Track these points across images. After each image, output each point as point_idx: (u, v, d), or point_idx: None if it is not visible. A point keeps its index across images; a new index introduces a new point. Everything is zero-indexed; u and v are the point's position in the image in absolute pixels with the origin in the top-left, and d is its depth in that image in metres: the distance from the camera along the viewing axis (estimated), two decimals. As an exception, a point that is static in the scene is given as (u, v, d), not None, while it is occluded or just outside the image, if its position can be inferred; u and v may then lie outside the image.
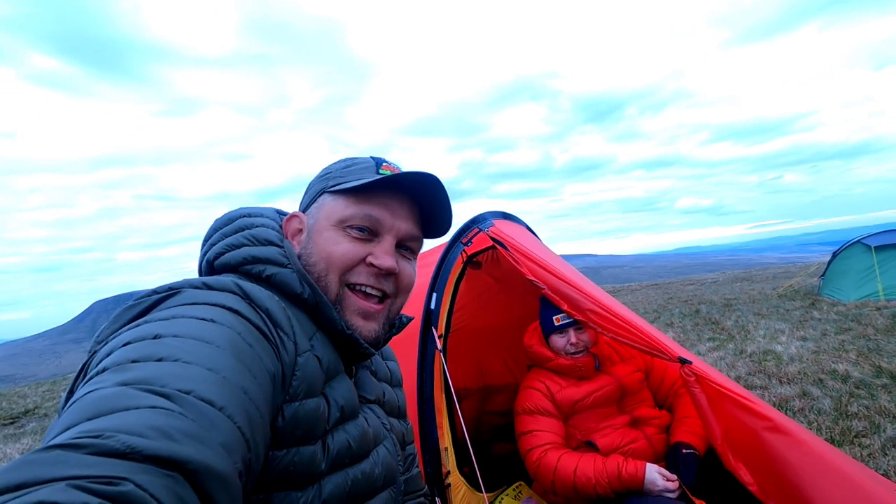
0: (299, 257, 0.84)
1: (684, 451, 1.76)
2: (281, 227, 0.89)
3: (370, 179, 0.82)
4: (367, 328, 0.84)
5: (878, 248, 7.79)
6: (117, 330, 0.62)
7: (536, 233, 2.49)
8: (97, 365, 0.55)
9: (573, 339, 1.96)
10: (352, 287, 0.83)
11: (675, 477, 1.67)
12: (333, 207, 0.85)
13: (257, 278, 0.79)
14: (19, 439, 5.95)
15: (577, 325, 1.96)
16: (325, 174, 0.91)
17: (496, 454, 2.61)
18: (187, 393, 0.49)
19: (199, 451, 0.44)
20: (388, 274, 0.84)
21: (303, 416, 0.68)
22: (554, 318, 1.96)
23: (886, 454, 2.63)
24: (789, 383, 3.99)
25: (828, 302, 7.82)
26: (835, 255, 8.84)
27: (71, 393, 0.60)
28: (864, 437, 2.88)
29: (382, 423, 0.92)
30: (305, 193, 0.94)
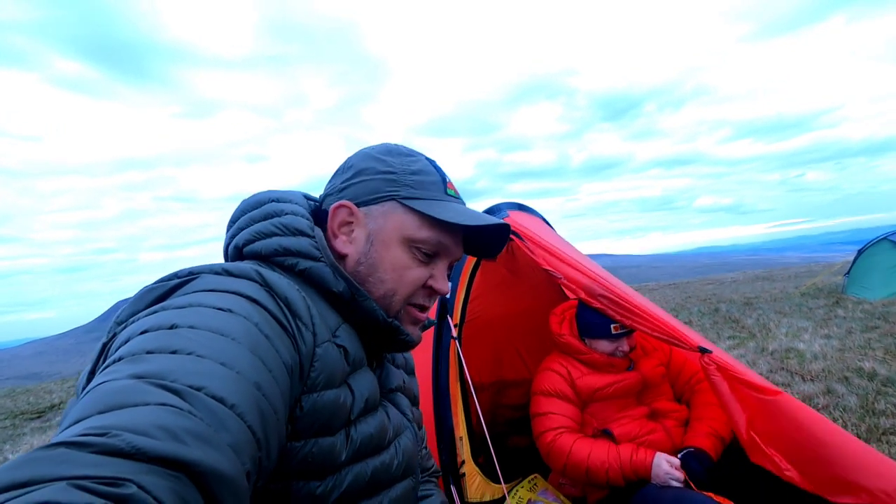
0: (358, 263, 0.83)
1: (690, 450, 1.73)
2: (310, 214, 0.85)
3: (457, 221, 0.81)
4: (415, 332, 0.89)
5: (906, 245, 7.57)
6: (137, 313, 0.62)
7: (553, 226, 2.47)
8: (116, 351, 0.55)
9: (625, 348, 1.92)
10: (410, 304, 0.86)
11: (679, 464, 1.65)
12: (404, 223, 0.82)
13: (289, 270, 0.78)
14: (45, 432, 6.14)
15: (630, 333, 1.91)
16: (391, 172, 0.84)
17: (511, 447, 2.59)
18: (199, 389, 0.49)
19: (206, 453, 0.43)
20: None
21: (321, 407, 0.68)
22: (612, 326, 1.87)
23: (916, 452, 2.55)
24: (813, 381, 3.90)
25: (853, 300, 7.60)
26: (860, 252, 8.59)
27: (91, 374, 0.60)
28: (892, 434, 2.81)
29: (404, 413, 0.92)
30: (355, 177, 0.85)
